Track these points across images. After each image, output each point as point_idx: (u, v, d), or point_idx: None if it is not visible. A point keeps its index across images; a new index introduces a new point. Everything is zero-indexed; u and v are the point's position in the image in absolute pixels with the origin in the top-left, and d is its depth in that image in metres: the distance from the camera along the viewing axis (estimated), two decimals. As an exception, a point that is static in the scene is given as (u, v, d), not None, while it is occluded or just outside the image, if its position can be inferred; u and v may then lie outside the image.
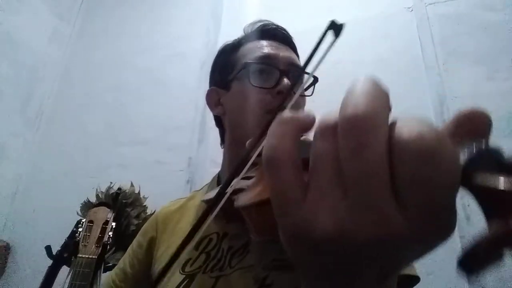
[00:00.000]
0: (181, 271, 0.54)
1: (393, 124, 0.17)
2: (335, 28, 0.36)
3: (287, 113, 0.21)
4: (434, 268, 1.09)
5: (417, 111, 1.40)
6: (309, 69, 0.39)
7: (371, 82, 0.19)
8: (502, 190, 0.15)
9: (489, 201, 0.16)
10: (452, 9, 1.52)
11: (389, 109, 0.18)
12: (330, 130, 0.19)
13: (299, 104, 0.62)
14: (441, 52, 1.46)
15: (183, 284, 0.52)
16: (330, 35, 0.35)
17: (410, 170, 0.16)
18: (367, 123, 0.17)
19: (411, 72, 1.47)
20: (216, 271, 0.51)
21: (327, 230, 0.17)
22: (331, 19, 0.35)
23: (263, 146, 0.28)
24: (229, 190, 0.32)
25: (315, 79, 0.66)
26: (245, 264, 0.50)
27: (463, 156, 0.17)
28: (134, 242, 0.68)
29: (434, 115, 1.37)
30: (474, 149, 0.17)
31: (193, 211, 0.63)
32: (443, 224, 0.17)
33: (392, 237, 0.16)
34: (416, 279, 0.47)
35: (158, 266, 0.59)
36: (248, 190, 0.31)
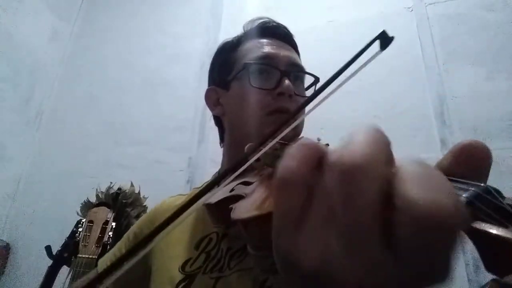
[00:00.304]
0: (180, 270, 0.53)
1: (397, 172, 0.17)
2: (384, 39, 0.34)
3: (309, 140, 0.21)
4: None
5: (417, 111, 1.40)
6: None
7: (372, 131, 0.18)
8: (499, 241, 0.14)
9: (486, 249, 0.15)
10: (452, 9, 1.52)
11: (390, 158, 0.18)
12: (335, 166, 0.18)
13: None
14: (441, 52, 1.46)
15: (183, 284, 0.51)
16: (376, 45, 0.34)
17: (414, 233, 0.15)
18: (362, 173, 0.16)
19: (411, 72, 1.47)
20: (216, 272, 0.51)
21: (314, 265, 0.17)
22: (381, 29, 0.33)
23: (262, 151, 0.27)
24: (222, 183, 0.31)
25: (316, 80, 0.65)
26: (244, 266, 0.50)
27: (463, 193, 0.16)
28: (131, 232, 0.67)
29: (434, 115, 1.37)
30: (473, 188, 0.16)
31: (191, 214, 0.62)
32: (439, 280, 0.16)
33: (382, 284, 0.16)
34: None
35: (155, 260, 0.58)
36: (247, 201, 0.30)
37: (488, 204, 0.15)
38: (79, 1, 2.30)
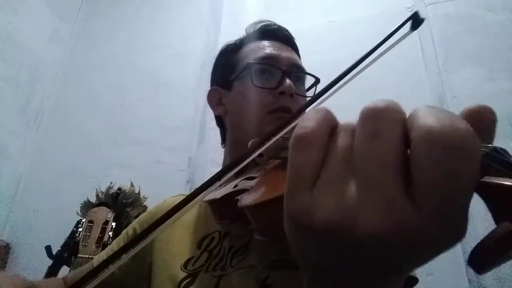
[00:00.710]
0: (182, 268, 0.53)
1: (413, 113, 0.17)
2: (416, 21, 0.35)
3: (324, 107, 0.22)
4: (434, 268, 1.09)
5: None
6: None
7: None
8: (510, 191, 0.15)
9: (498, 202, 0.16)
10: (452, 9, 1.52)
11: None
12: (347, 129, 0.20)
13: (300, 104, 0.62)
14: (441, 52, 1.46)
15: (186, 282, 0.51)
16: (407, 26, 0.35)
17: (435, 164, 0.15)
18: (385, 113, 0.18)
19: (411, 72, 1.47)
20: (218, 270, 0.51)
21: (331, 217, 0.17)
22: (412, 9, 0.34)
23: (267, 147, 0.28)
24: (223, 178, 0.32)
25: (317, 80, 0.66)
26: (246, 264, 0.50)
27: None
28: (130, 229, 0.67)
29: (434, 115, 1.37)
30: (482, 148, 0.17)
31: (193, 209, 0.62)
32: (456, 227, 0.16)
33: (399, 230, 0.15)
34: (414, 280, 0.47)
35: (156, 258, 0.58)
36: (253, 191, 0.30)
37: (498, 161, 0.16)
38: (79, 1, 2.30)
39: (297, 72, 0.63)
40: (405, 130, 0.17)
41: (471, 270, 1.09)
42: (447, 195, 0.15)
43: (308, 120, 0.21)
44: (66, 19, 2.19)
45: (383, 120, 0.17)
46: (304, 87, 0.67)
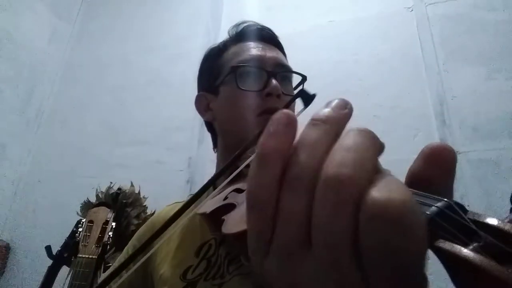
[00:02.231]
0: (181, 278, 0.53)
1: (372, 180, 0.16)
2: (306, 97, 0.35)
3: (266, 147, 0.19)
4: (435, 268, 1.09)
5: (417, 111, 1.40)
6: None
7: (363, 134, 0.18)
8: (458, 259, 0.14)
9: (452, 268, 0.15)
10: (452, 9, 1.52)
11: (378, 154, 0.18)
12: (302, 187, 0.17)
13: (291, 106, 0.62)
14: (441, 52, 1.46)
15: None
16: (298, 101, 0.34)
17: (374, 234, 0.15)
18: (349, 185, 0.16)
19: (411, 72, 1.47)
20: (218, 279, 0.51)
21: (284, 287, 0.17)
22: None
23: (249, 160, 0.27)
24: (218, 188, 0.31)
25: (304, 78, 0.65)
26: (243, 271, 0.50)
27: (427, 210, 0.16)
28: (130, 246, 0.67)
29: (434, 115, 1.37)
30: (436, 205, 0.16)
31: (188, 220, 0.62)
32: None
33: None
34: None
35: (156, 271, 0.58)
36: (236, 214, 0.30)
37: (450, 221, 0.15)
38: (79, 1, 2.30)
39: (282, 71, 0.62)
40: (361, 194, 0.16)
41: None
42: (393, 271, 0.15)
43: (254, 177, 0.18)
44: (66, 19, 2.19)
45: (346, 192, 0.16)
46: (292, 86, 0.65)
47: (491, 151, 1.24)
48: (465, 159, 1.26)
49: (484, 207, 1.15)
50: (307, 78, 0.66)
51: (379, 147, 0.18)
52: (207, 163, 1.57)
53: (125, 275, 0.53)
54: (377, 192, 0.15)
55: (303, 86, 0.66)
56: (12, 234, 1.70)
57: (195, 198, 0.30)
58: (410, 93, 1.42)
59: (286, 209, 0.17)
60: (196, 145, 1.64)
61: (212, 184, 0.32)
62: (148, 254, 0.28)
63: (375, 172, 0.17)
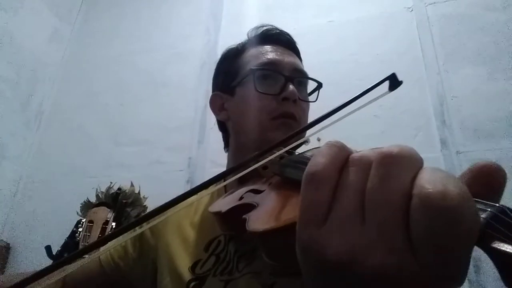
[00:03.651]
0: (190, 270, 0.54)
1: (421, 170, 0.19)
2: (393, 82, 0.36)
3: (337, 141, 0.23)
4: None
5: (417, 111, 1.40)
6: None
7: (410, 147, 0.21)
8: None
9: (506, 269, 0.16)
10: (452, 9, 1.52)
11: (420, 166, 0.20)
12: (363, 165, 0.20)
13: (304, 110, 0.62)
14: (441, 52, 1.46)
15: (194, 283, 0.52)
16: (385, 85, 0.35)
17: (427, 223, 0.16)
18: (399, 159, 0.19)
19: (411, 72, 1.47)
20: (226, 275, 0.51)
21: (338, 254, 0.19)
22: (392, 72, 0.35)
23: (267, 159, 0.28)
24: (220, 185, 0.31)
25: (319, 85, 0.66)
26: (253, 269, 0.50)
27: (482, 214, 0.17)
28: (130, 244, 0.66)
29: (434, 115, 1.37)
30: (490, 209, 0.17)
31: (200, 210, 0.62)
32: (450, 276, 0.17)
33: (399, 271, 0.17)
34: None
35: (161, 258, 0.59)
36: (260, 211, 0.30)
37: (505, 224, 0.16)
38: (79, 1, 2.30)
39: (299, 77, 0.63)
40: (414, 179, 0.18)
41: (471, 271, 1.09)
42: (440, 252, 0.16)
43: (320, 156, 0.22)
44: (66, 19, 2.19)
45: (395, 167, 0.19)
46: (307, 92, 0.66)
47: (491, 151, 1.24)
48: (465, 159, 1.26)
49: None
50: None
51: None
52: (207, 163, 1.58)
53: (121, 240, 0.55)
54: (431, 180, 0.18)
55: (318, 92, 0.67)
56: (12, 234, 1.70)
57: (203, 187, 0.30)
58: (410, 93, 1.42)
59: (348, 182, 0.20)
60: (196, 145, 1.64)
61: (220, 178, 0.32)
62: (143, 229, 0.28)
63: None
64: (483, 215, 0.17)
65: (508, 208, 0.17)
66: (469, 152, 1.27)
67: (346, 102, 0.33)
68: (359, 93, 0.34)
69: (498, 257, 0.16)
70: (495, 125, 1.28)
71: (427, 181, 0.17)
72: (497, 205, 0.18)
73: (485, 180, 0.20)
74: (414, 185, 0.18)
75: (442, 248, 0.16)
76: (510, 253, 0.15)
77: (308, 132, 0.38)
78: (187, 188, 1.54)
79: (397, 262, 0.17)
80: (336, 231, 0.19)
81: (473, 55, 1.42)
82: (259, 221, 0.28)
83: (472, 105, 1.34)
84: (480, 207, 0.18)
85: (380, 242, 0.18)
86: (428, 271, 0.17)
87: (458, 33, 1.47)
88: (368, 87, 0.35)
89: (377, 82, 0.34)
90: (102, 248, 0.57)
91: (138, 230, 0.53)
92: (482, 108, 1.32)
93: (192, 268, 0.54)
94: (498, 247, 0.16)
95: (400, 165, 0.19)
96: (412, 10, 1.59)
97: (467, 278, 1.10)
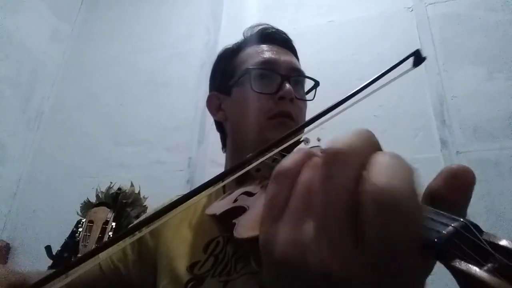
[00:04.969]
0: (188, 270, 0.54)
1: (372, 161, 0.18)
2: (418, 58, 0.35)
3: (305, 148, 0.23)
4: (435, 268, 1.09)
5: (417, 111, 1.40)
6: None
7: (361, 131, 0.20)
8: (473, 280, 0.14)
9: (466, 286, 0.15)
10: (452, 9, 1.52)
11: (368, 150, 0.19)
12: (313, 164, 0.21)
13: (301, 109, 0.62)
14: (441, 52, 1.46)
15: (192, 283, 0.52)
16: (409, 62, 0.35)
17: (371, 216, 0.16)
18: (341, 156, 0.18)
19: (411, 72, 1.47)
20: (224, 276, 0.51)
21: (284, 250, 0.19)
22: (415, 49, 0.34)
23: (260, 160, 0.29)
24: (217, 186, 0.31)
25: (316, 83, 0.66)
26: (250, 270, 0.50)
27: (444, 230, 0.17)
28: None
29: (434, 115, 1.37)
30: (452, 224, 0.17)
31: (198, 211, 0.62)
32: (394, 279, 0.17)
33: (344, 270, 0.17)
34: None
35: (161, 259, 0.59)
36: (247, 217, 0.30)
37: (466, 241, 0.16)
38: (79, 1, 2.30)
39: (296, 76, 0.63)
40: (361, 173, 0.18)
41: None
42: (384, 251, 0.16)
43: (287, 158, 0.23)
44: (66, 19, 2.19)
45: (336, 165, 0.18)
46: (304, 91, 0.66)
47: (491, 151, 1.24)
48: (465, 159, 1.26)
49: (484, 207, 1.15)
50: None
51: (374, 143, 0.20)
52: (207, 163, 1.58)
53: (121, 244, 0.55)
54: (377, 172, 0.17)
55: (315, 91, 0.67)
56: (12, 234, 1.70)
57: (201, 189, 0.30)
58: (410, 93, 1.42)
59: (299, 180, 0.21)
60: (196, 145, 1.64)
61: (222, 178, 0.32)
62: (143, 233, 0.29)
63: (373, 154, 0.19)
64: (444, 231, 0.16)
65: (472, 223, 0.17)
66: (469, 152, 1.27)
67: (370, 82, 0.33)
68: (384, 71, 0.34)
69: (458, 276, 0.15)
70: (495, 125, 1.28)
71: (373, 175, 0.17)
72: (461, 219, 0.17)
73: (454, 184, 0.19)
74: (364, 178, 0.17)
75: (384, 245, 0.16)
76: (467, 272, 0.15)
77: (309, 130, 0.38)
78: (187, 188, 1.54)
79: (341, 260, 0.17)
80: (285, 226, 0.19)
81: (473, 55, 1.42)
82: (244, 228, 0.28)
83: (472, 105, 1.34)
84: (443, 221, 0.17)
85: (322, 240, 0.18)
86: (367, 274, 0.16)
87: (458, 33, 1.47)
88: (393, 64, 0.34)
89: (402, 58, 0.33)
90: (101, 255, 0.56)
91: (138, 235, 0.53)
92: (482, 108, 1.32)
93: (191, 268, 0.54)
94: (458, 266, 0.15)
95: (342, 162, 0.18)
96: (412, 10, 1.59)
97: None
